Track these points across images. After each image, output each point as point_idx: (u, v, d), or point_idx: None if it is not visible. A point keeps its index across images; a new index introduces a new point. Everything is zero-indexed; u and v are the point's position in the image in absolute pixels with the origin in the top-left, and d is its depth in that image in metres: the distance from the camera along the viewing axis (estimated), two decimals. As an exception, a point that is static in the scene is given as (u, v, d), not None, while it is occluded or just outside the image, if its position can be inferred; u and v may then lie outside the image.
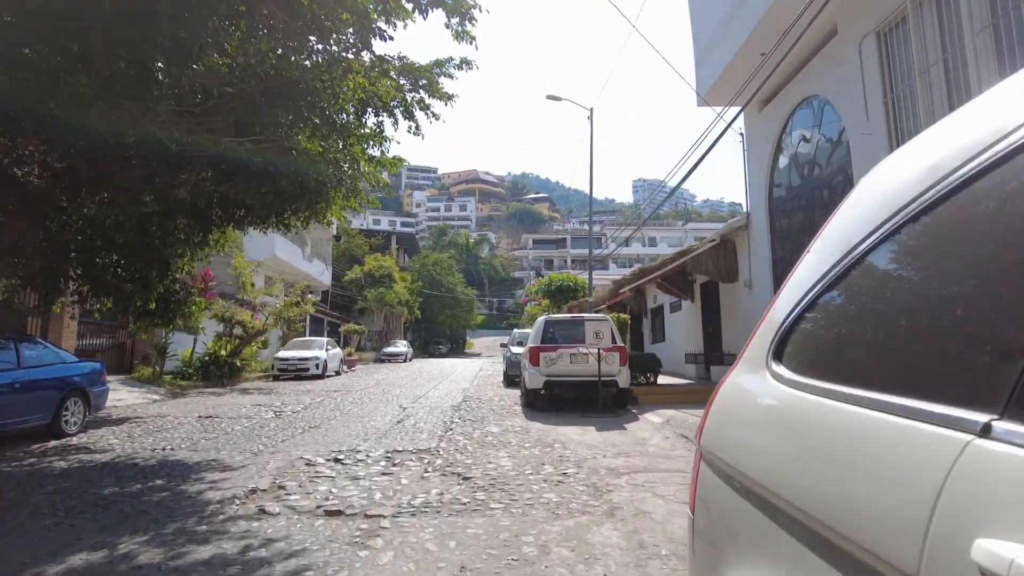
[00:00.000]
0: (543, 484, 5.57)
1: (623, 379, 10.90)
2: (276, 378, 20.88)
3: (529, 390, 11.19)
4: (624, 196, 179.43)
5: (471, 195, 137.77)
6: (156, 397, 13.45)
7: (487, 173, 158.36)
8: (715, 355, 14.90)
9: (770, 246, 12.35)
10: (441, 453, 7.13)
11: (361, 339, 43.49)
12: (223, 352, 17.88)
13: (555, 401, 11.80)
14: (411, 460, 6.74)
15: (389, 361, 38.35)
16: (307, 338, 23.40)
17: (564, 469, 6.21)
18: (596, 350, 10.57)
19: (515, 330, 21.06)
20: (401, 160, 9.00)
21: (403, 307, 43.44)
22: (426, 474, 6.09)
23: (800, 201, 11.34)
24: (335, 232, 37.67)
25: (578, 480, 5.72)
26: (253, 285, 21.19)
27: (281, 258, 27.36)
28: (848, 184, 9.62)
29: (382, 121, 8.93)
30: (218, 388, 16.54)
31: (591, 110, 21.88)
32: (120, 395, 12.74)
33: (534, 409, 11.24)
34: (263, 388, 16.82)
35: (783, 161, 12.06)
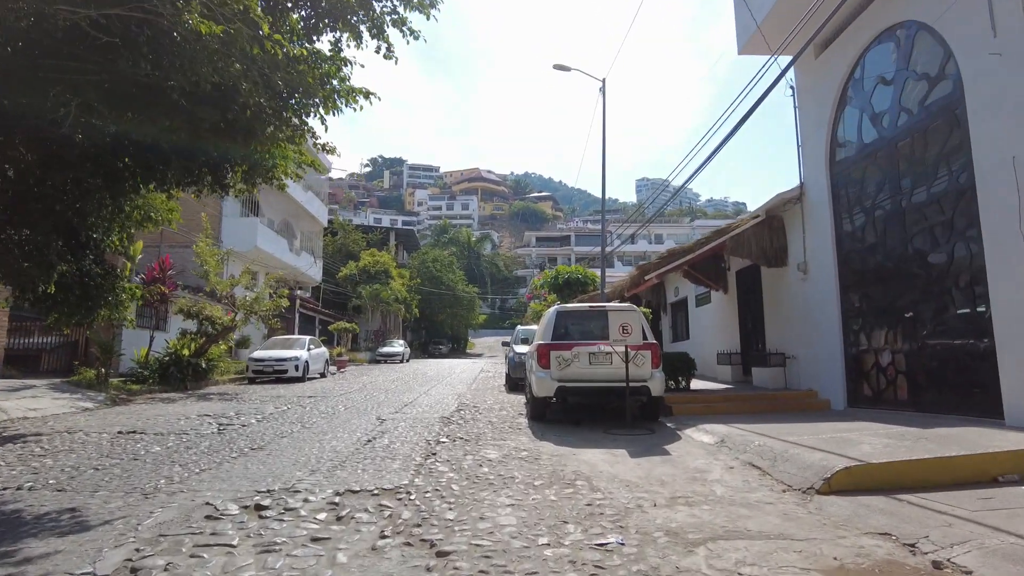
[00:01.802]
0: (570, 573, 3.30)
1: (656, 385, 8.61)
2: (252, 381, 18.65)
3: (537, 399, 8.91)
4: (627, 196, 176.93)
5: (473, 194, 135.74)
6: (89, 405, 11.21)
7: (490, 172, 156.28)
8: (756, 355, 12.61)
9: (832, 220, 10.06)
10: (413, 497, 4.87)
11: (353, 338, 41.29)
12: (186, 351, 15.63)
13: (570, 413, 9.55)
14: (366, 511, 4.48)
15: (385, 362, 36.13)
16: (288, 336, 21.14)
17: (599, 533, 3.93)
18: (623, 348, 8.30)
19: (518, 327, 18.77)
20: (368, 93, 6.73)
21: (400, 305, 41.18)
22: (381, 540, 3.83)
23: (876, 160, 9.05)
24: (327, 222, 35.41)
25: (627, 561, 3.45)
26: (233, 276, 18.85)
27: (264, 250, 25.19)
28: (956, 126, 7.33)
29: (340, 39, 6.71)
30: (176, 393, 14.31)
31: (603, 81, 19.61)
32: (41, 403, 10.52)
33: (544, 423, 8.97)
34: (229, 393, 14.58)
35: (851, 114, 9.76)
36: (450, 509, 4.52)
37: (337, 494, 5.00)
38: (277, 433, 8.26)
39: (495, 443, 7.35)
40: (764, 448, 6.32)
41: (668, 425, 8.81)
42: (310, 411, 10.79)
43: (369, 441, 7.57)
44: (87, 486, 5.33)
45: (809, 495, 4.88)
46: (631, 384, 8.29)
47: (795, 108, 11.17)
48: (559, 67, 19.48)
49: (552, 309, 9.60)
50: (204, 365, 15.98)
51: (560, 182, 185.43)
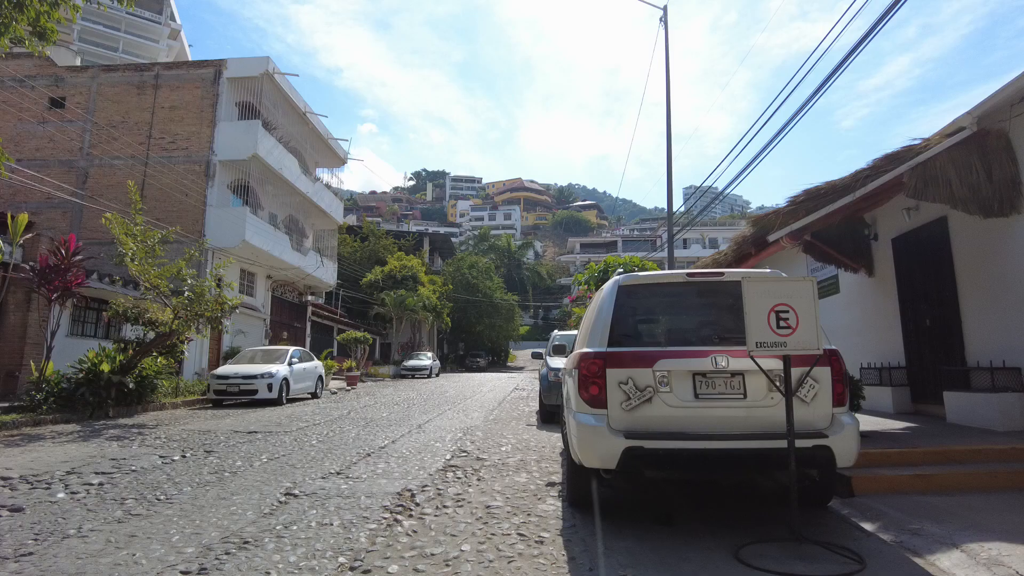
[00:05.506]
0: None
1: (846, 444, 3.80)
2: (216, 404, 14.62)
3: (580, 470, 4.24)
4: (674, 204, 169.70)
5: (516, 204, 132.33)
6: None
7: (532, 181, 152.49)
8: (948, 371, 7.59)
9: None
10: None
11: (382, 349, 37.43)
12: (106, 367, 11.63)
13: (644, 491, 4.87)
14: None
15: (412, 376, 32.09)
16: (270, 347, 17.01)
17: None
18: (776, 361, 3.62)
19: (555, 332, 13.95)
20: None
21: (428, 312, 36.97)
22: None
23: None
24: (343, 218, 31.52)
25: None
26: (185, 266, 14.56)
27: (255, 245, 21.34)
28: None
29: None
30: (74, 425, 10.25)
31: (664, 9, 14.95)
32: None
33: (593, 518, 4.32)
34: (150, 424, 10.45)
35: None
36: None
37: None
38: (67, 529, 3.88)
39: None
40: None
41: (867, 529, 4.03)
42: (212, 464, 6.47)
43: (175, 587, 3.11)
44: None
45: None
46: (798, 440, 3.57)
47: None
48: (606, -7, 14.92)
49: (610, 283, 4.81)
50: (132, 384, 11.93)
51: (605, 192, 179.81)
